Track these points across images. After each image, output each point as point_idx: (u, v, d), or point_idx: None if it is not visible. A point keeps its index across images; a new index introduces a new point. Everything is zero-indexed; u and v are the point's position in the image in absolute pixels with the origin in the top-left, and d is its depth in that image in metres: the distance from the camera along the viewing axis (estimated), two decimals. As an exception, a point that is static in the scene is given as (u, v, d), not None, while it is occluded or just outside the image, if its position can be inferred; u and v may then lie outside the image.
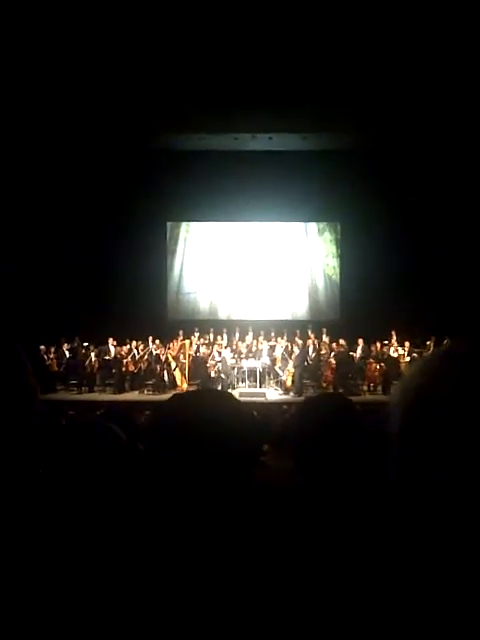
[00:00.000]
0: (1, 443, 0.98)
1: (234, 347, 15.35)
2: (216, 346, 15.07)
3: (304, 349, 14.65)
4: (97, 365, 14.70)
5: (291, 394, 14.12)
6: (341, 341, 14.61)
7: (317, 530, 1.23)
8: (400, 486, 0.67)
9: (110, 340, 14.74)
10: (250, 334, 15.87)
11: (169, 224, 18.26)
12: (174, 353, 14.68)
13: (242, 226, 18.00)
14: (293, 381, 14.32)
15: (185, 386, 14.40)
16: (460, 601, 0.61)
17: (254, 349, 15.30)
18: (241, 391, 14.02)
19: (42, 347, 14.10)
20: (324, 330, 15.82)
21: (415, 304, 14.99)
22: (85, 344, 15.00)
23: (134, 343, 14.83)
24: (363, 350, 14.66)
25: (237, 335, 15.96)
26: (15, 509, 1.01)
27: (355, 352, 14.67)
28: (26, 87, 12.06)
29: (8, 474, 0.97)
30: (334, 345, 14.82)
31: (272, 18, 10.06)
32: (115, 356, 14.60)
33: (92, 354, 14.57)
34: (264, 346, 15.06)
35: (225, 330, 16.06)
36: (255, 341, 15.55)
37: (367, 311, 15.57)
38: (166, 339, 15.16)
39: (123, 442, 1.60)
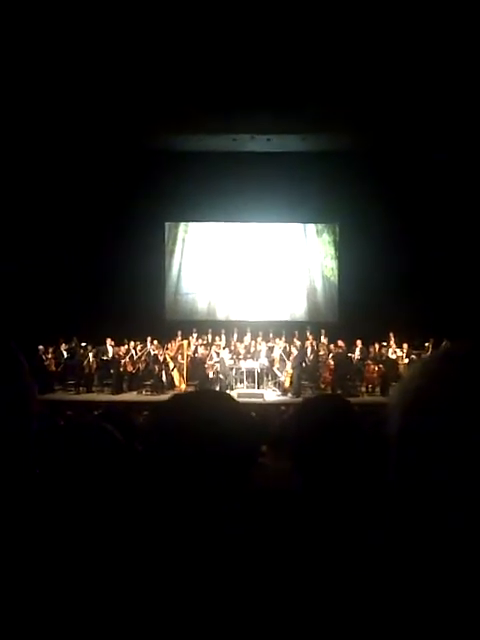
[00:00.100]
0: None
1: (232, 348, 15.35)
2: (214, 347, 15.07)
3: (302, 350, 14.65)
4: (95, 365, 14.70)
5: (289, 395, 14.13)
6: (339, 342, 14.61)
7: (315, 531, 1.23)
8: (399, 488, 0.67)
9: (108, 340, 14.74)
10: (248, 335, 15.87)
11: (167, 224, 18.26)
12: (172, 354, 14.68)
13: (241, 227, 18.01)
14: (291, 382, 14.32)
15: (183, 387, 14.40)
16: (460, 602, 0.61)
17: (252, 350, 15.30)
18: (239, 392, 14.02)
19: (40, 347, 14.09)
20: (322, 331, 15.84)
21: (414, 305, 15.00)
22: (83, 344, 14.99)
23: (132, 343, 14.83)
24: (361, 351, 14.67)
25: (235, 336, 15.96)
26: (12, 510, 1.01)
27: (353, 353, 14.68)
28: (25, 87, 12.06)
29: (4, 475, 0.97)
30: (332, 346, 14.83)
31: (271, 19, 10.07)
32: (113, 356, 14.60)
33: (90, 354, 14.56)
34: (262, 347, 15.06)
35: (223, 331, 16.06)
36: (253, 342, 15.55)
37: (365, 312, 15.58)
38: (164, 340, 15.15)
39: (119, 443, 1.60)
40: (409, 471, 0.65)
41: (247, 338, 15.77)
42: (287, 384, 14.41)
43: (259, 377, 14.83)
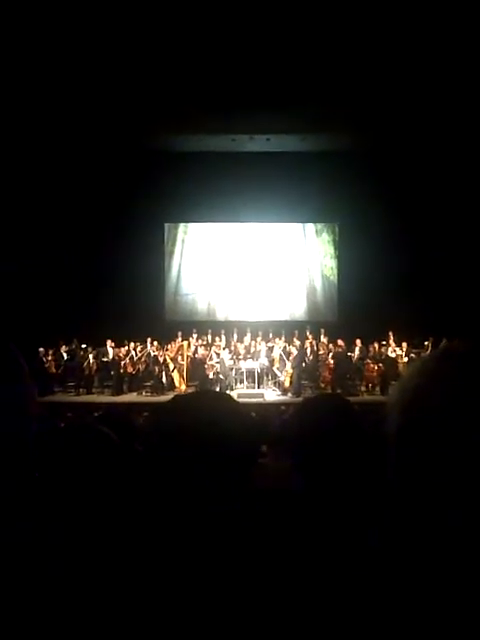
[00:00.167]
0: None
1: (232, 348, 15.35)
2: (214, 347, 15.07)
3: (302, 350, 14.65)
4: (95, 367, 14.70)
5: (289, 395, 14.13)
6: (339, 342, 14.62)
7: (316, 531, 1.23)
8: (398, 486, 0.67)
9: (108, 342, 14.74)
10: (248, 335, 15.87)
11: (167, 225, 18.26)
12: (172, 354, 14.68)
13: (240, 227, 18.01)
14: (291, 382, 14.32)
15: (183, 387, 14.40)
16: (459, 601, 0.61)
17: (252, 350, 15.31)
18: (239, 392, 14.02)
19: (40, 349, 14.09)
20: (322, 331, 15.85)
21: (413, 305, 15.00)
22: (83, 346, 14.99)
23: (132, 344, 14.82)
24: (361, 351, 14.68)
25: (235, 336, 15.96)
26: (11, 513, 1.01)
27: (353, 353, 14.69)
28: (25, 88, 12.06)
29: (4, 478, 0.97)
30: (332, 346, 14.83)
31: (271, 19, 10.07)
32: (113, 358, 14.60)
33: (90, 356, 14.56)
34: (262, 347, 15.06)
35: (223, 331, 16.06)
36: (253, 342, 15.55)
37: (365, 312, 15.58)
38: (164, 340, 15.16)
39: (116, 445, 1.60)
40: (408, 469, 0.65)
41: (247, 338, 15.77)
42: (287, 384, 14.41)
43: (259, 377, 14.83)
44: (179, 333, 15.47)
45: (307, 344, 15.06)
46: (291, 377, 14.33)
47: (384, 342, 14.79)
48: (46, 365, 14.13)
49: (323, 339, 15.51)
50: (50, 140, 14.50)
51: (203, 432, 1.05)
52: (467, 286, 14.83)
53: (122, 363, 14.46)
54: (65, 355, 14.87)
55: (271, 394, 14.50)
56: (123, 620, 0.95)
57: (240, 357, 15.11)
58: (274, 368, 14.87)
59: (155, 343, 14.88)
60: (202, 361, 14.70)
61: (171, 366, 14.55)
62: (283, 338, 15.41)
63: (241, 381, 15.05)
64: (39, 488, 1.38)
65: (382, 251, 16.08)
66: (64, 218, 15.94)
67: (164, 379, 14.49)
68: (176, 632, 0.93)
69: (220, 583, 0.96)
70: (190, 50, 10.91)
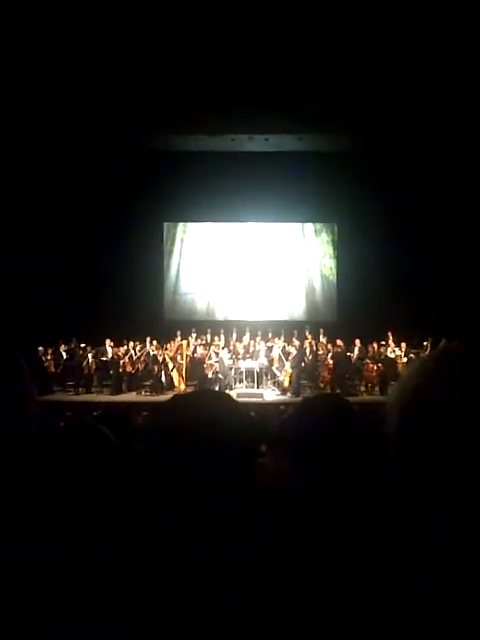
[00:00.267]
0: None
1: (231, 348, 15.34)
2: (213, 347, 15.06)
3: (301, 350, 14.65)
4: (94, 366, 14.69)
5: (288, 395, 14.12)
6: (338, 342, 14.62)
7: (315, 531, 1.23)
8: (397, 486, 0.67)
9: (107, 341, 14.73)
10: (247, 335, 15.86)
11: (166, 225, 18.24)
12: (171, 354, 14.68)
13: (239, 227, 18.00)
14: (290, 382, 14.32)
15: (182, 387, 14.40)
16: (459, 600, 0.62)
17: (251, 350, 15.30)
18: (238, 392, 14.02)
19: (40, 348, 14.08)
20: (321, 331, 15.84)
21: (412, 305, 15.01)
22: (82, 345, 14.98)
23: (131, 344, 14.81)
24: (360, 351, 14.68)
25: (234, 336, 15.95)
26: (11, 512, 1.01)
27: (352, 353, 14.68)
28: (24, 87, 12.05)
29: (4, 477, 0.97)
30: (331, 346, 14.83)
31: (270, 20, 10.07)
32: (112, 357, 14.59)
33: (89, 355, 14.56)
34: (261, 347, 15.06)
35: (222, 331, 16.06)
36: (252, 342, 15.54)
37: (364, 312, 15.59)
38: (163, 340, 15.15)
39: (115, 444, 1.60)
40: (407, 469, 0.65)
41: (246, 338, 15.76)
42: (286, 384, 14.41)
43: (258, 377, 14.82)
44: (178, 332, 15.46)
45: (306, 344, 15.06)
46: (290, 377, 14.33)
47: (383, 342, 14.79)
48: (45, 364, 14.12)
49: (322, 339, 15.51)
50: (49, 139, 14.48)
51: (202, 431, 1.06)
52: (466, 286, 14.83)
53: (121, 362, 14.46)
54: (64, 354, 14.86)
55: (270, 394, 14.49)
56: (123, 619, 0.95)
57: (239, 357, 15.10)
58: (273, 368, 14.87)
59: (154, 342, 14.87)
60: (201, 361, 14.70)
61: (170, 365, 14.54)
62: (282, 338, 15.41)
63: (240, 381, 15.05)
64: (39, 487, 1.38)
65: (381, 251, 16.08)
66: (63, 217, 15.93)
67: (163, 378, 14.48)
68: (176, 631, 0.93)
69: (219, 582, 0.96)
70: (189, 50, 10.91)
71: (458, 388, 0.64)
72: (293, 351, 14.44)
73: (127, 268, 16.55)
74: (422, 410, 0.65)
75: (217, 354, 14.70)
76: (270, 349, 15.07)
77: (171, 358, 14.57)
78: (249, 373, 14.91)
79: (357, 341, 14.71)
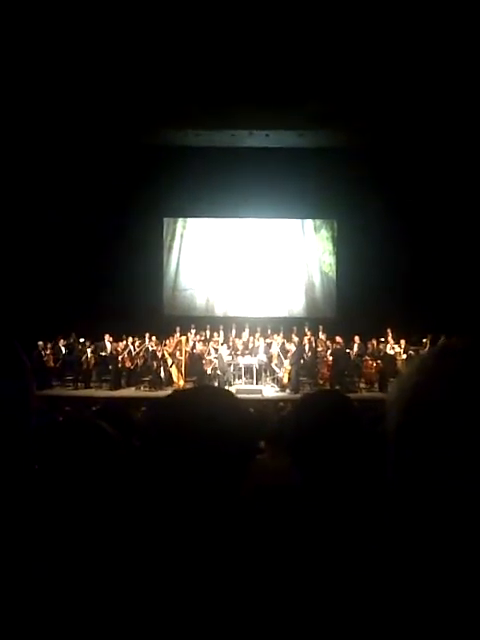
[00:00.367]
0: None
1: (231, 344, 15.34)
2: (212, 343, 15.07)
3: (301, 346, 14.66)
4: (93, 361, 14.70)
5: (288, 391, 14.13)
6: (337, 338, 14.63)
7: (314, 527, 1.23)
8: (397, 484, 0.67)
9: (106, 336, 14.74)
10: (246, 331, 15.87)
11: (166, 220, 18.23)
12: (170, 350, 14.68)
13: (239, 223, 17.99)
14: (289, 378, 14.32)
15: (181, 383, 14.39)
16: (458, 600, 0.62)
17: (251, 346, 15.31)
18: (238, 388, 14.02)
19: (39, 343, 14.08)
20: (320, 327, 15.85)
21: (411, 302, 15.02)
22: (81, 340, 14.99)
23: (130, 339, 14.83)
24: (359, 347, 14.69)
25: (234, 332, 15.96)
26: (10, 507, 1.01)
27: (351, 349, 14.69)
28: (24, 84, 12.02)
29: (3, 471, 0.97)
30: (330, 342, 14.84)
31: (270, 16, 10.04)
32: (111, 352, 14.60)
33: (88, 350, 14.56)
34: (260, 343, 15.07)
35: (222, 327, 16.07)
36: (252, 338, 15.55)
37: (363, 308, 15.59)
38: (162, 335, 15.15)
39: (113, 439, 1.60)
40: (407, 467, 0.65)
41: (245, 334, 15.77)
42: (285, 380, 14.42)
43: (257, 373, 14.83)
44: (177, 328, 15.47)
45: (305, 340, 15.07)
46: (289, 373, 14.33)
47: (383, 339, 14.79)
48: (44, 359, 14.13)
49: (321, 336, 15.52)
50: (49, 135, 14.47)
51: (201, 427, 1.05)
52: (466, 283, 14.83)
53: (120, 358, 14.46)
54: (63, 349, 14.86)
55: (269, 390, 14.50)
56: (122, 617, 0.95)
57: (238, 353, 15.11)
58: (272, 364, 14.88)
59: (153, 338, 14.88)
60: (200, 356, 14.70)
61: (169, 361, 14.55)
62: (282, 334, 15.42)
63: (239, 377, 15.06)
64: (38, 481, 1.38)
65: (381, 248, 16.08)
66: (63, 212, 15.91)
67: (162, 374, 14.49)
68: (175, 630, 0.93)
69: (218, 579, 0.96)
70: (190, 46, 10.88)
71: (458, 385, 0.64)
72: (292, 347, 14.45)
73: (126, 263, 16.54)
74: (422, 407, 0.65)
75: (216, 350, 14.70)
76: (269, 345, 15.08)
77: (170, 354, 14.57)
78: (248, 369, 14.92)
79: (356, 338, 14.72)
